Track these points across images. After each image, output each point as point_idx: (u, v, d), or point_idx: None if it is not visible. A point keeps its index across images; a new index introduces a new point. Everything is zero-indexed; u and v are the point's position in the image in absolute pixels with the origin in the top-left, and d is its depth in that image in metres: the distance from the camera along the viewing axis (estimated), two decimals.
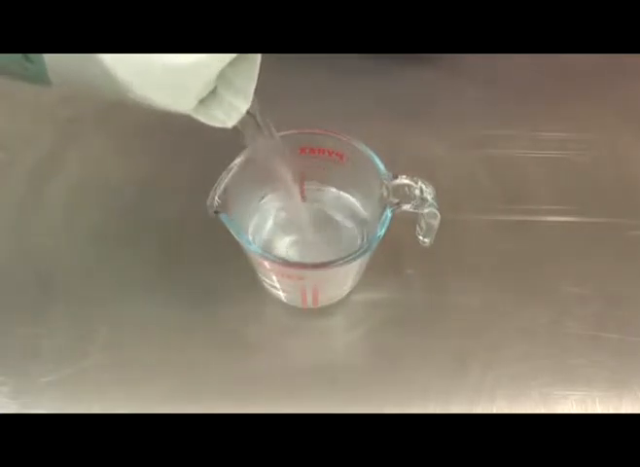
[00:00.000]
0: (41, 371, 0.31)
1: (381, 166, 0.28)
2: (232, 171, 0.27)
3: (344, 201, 0.33)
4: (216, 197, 0.26)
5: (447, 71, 0.44)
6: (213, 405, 0.30)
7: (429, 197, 0.27)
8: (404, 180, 0.27)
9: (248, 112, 0.24)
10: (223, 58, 0.21)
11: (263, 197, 0.33)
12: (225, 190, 0.27)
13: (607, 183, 0.38)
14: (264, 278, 0.31)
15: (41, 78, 0.18)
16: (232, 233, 0.26)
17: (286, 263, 0.26)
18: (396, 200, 0.27)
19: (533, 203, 0.37)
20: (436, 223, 0.29)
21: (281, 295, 0.32)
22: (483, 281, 0.34)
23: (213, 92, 0.23)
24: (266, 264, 0.27)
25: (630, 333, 0.32)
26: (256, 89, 0.23)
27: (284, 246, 0.32)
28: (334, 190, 0.33)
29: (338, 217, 0.33)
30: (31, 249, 0.35)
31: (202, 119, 0.22)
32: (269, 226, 0.33)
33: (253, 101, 0.24)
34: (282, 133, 0.27)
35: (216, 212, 0.26)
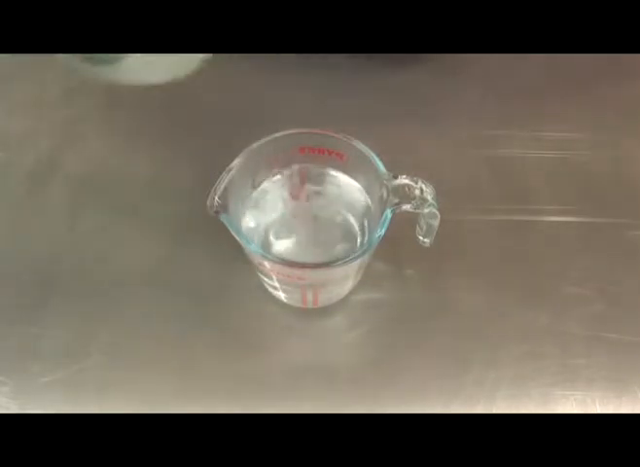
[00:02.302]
0: (41, 371, 0.31)
1: (381, 166, 0.28)
2: (232, 171, 0.27)
3: (345, 199, 0.33)
4: (216, 198, 0.26)
5: (448, 71, 0.44)
6: (213, 405, 0.30)
7: (429, 197, 0.27)
8: (404, 180, 0.27)
9: None
10: None
11: (259, 190, 0.32)
12: (225, 190, 0.27)
13: (607, 183, 0.38)
14: (264, 278, 0.31)
15: None
16: (232, 232, 0.26)
17: (286, 263, 0.26)
18: (396, 200, 0.27)
19: (533, 203, 0.37)
20: (436, 223, 0.29)
21: (281, 295, 0.32)
22: (483, 281, 0.34)
23: None
24: (267, 264, 0.27)
25: (630, 333, 0.32)
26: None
27: (284, 246, 0.32)
28: (335, 186, 0.33)
29: (340, 215, 0.33)
30: (31, 249, 0.35)
31: None
32: (269, 225, 0.33)
33: None
34: (282, 133, 0.27)
35: (216, 212, 0.26)
